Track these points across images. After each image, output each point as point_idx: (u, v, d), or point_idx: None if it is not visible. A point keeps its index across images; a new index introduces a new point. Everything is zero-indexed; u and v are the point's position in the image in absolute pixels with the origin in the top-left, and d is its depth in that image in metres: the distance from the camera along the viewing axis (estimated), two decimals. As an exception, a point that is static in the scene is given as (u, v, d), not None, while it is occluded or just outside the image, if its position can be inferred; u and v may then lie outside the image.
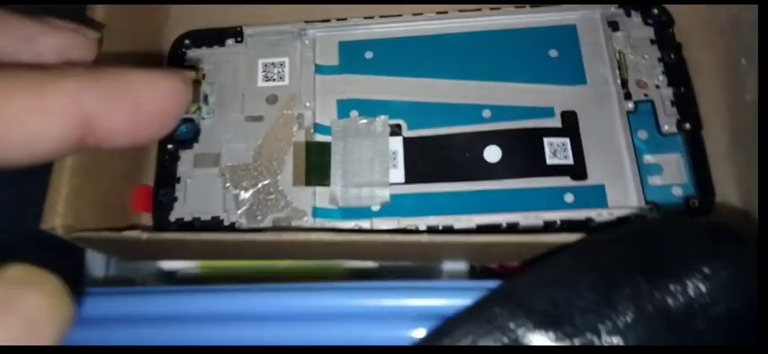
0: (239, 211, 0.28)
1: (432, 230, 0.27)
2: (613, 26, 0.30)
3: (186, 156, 0.29)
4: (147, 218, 0.29)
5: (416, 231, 0.26)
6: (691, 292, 0.17)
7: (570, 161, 0.28)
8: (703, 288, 0.17)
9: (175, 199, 0.29)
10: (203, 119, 0.30)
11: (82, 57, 0.19)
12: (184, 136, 0.30)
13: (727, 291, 0.17)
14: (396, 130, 0.29)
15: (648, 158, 0.28)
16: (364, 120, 0.29)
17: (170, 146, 0.29)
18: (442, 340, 0.19)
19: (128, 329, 0.22)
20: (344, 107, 0.30)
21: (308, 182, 0.28)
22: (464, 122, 0.29)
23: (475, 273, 0.28)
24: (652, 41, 0.30)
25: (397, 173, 0.28)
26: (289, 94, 0.30)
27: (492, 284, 0.20)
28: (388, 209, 0.28)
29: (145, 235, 0.25)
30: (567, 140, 0.28)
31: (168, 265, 0.31)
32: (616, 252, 0.19)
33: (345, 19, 0.31)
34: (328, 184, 0.28)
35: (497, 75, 0.30)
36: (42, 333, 0.12)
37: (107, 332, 0.22)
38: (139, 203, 0.29)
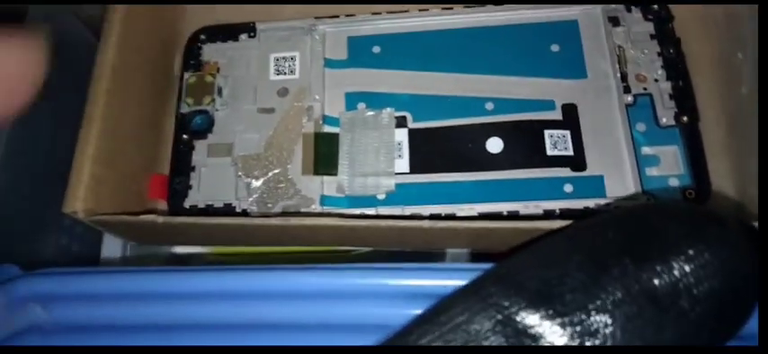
0: (250, 199, 0.29)
1: (434, 217, 0.27)
2: (614, 21, 0.31)
3: (200, 146, 0.31)
4: (162, 206, 0.30)
5: (419, 217, 0.27)
6: (676, 272, 0.18)
7: (570, 152, 0.28)
8: (687, 269, 0.18)
9: (190, 187, 0.30)
10: (217, 110, 0.31)
11: None
12: (199, 126, 0.31)
13: (710, 271, 0.18)
14: (401, 122, 0.30)
15: (646, 150, 0.28)
16: (371, 112, 0.30)
17: (185, 137, 0.31)
18: (439, 317, 0.20)
19: (137, 306, 0.23)
20: (352, 99, 0.31)
21: (317, 172, 0.29)
22: (467, 114, 0.30)
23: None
24: (652, 36, 0.30)
25: (403, 163, 0.29)
26: (299, 87, 0.31)
27: (487, 266, 0.21)
28: (393, 198, 0.29)
29: (160, 219, 0.26)
30: (567, 132, 0.29)
31: (182, 251, 0.32)
32: (605, 234, 0.20)
33: (354, 15, 0.32)
34: (336, 173, 0.29)
35: (500, 69, 0.30)
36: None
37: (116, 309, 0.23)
38: (156, 190, 0.30)
